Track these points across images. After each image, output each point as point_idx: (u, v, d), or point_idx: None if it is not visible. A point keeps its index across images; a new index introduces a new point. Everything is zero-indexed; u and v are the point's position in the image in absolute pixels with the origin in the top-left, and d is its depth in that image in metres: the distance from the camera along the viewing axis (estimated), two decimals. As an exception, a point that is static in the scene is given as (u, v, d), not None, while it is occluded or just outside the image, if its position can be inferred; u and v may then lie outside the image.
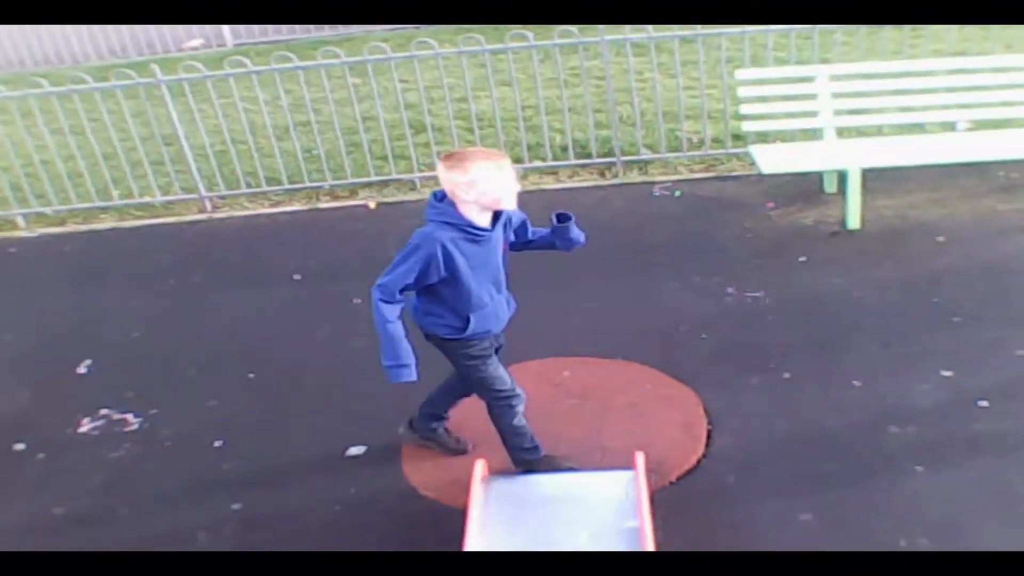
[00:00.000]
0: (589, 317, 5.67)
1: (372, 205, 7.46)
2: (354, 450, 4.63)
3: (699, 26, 7.24)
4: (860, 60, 7.21)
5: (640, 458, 3.97)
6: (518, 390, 4.10)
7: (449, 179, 3.60)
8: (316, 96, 7.94)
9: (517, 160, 7.63)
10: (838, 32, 7.50)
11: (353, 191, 7.75)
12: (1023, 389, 4.70)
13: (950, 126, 7.39)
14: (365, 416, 4.86)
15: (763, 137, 7.39)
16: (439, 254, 3.60)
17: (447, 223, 3.63)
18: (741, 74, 6.87)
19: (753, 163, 6.74)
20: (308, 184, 7.80)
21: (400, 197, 7.57)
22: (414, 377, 3.69)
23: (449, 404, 4.44)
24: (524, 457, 4.22)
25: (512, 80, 7.80)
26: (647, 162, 7.62)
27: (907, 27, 7.42)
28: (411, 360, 3.68)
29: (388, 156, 7.75)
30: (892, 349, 5.10)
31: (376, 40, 9.27)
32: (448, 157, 3.63)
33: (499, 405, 4.09)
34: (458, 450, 4.51)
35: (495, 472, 4.12)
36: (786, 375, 4.93)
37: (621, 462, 4.16)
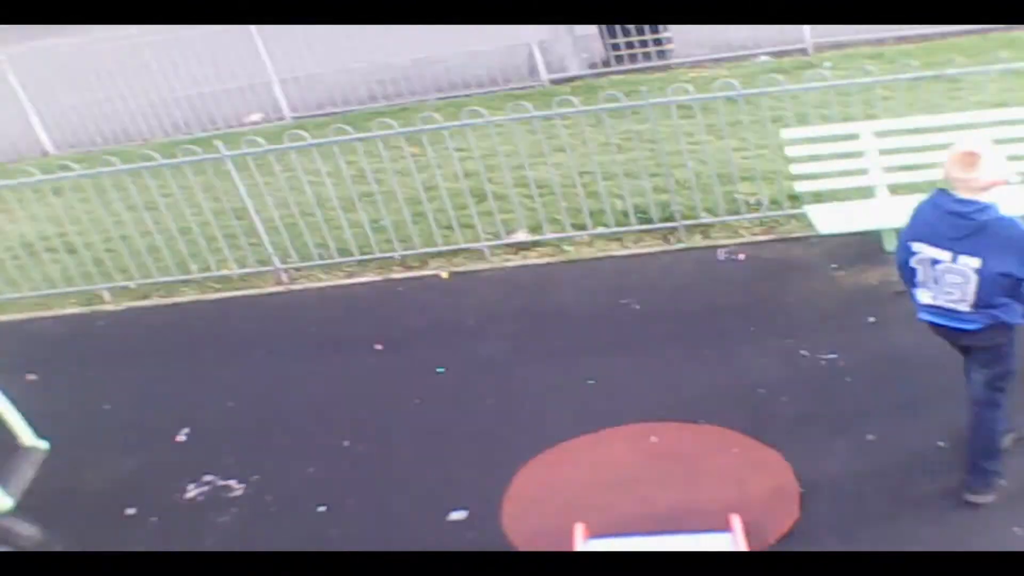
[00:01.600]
0: (668, 382, 5.82)
1: (445, 275, 7.70)
2: (455, 515, 4.83)
3: (740, 87, 7.45)
4: (903, 115, 7.19)
5: (736, 521, 4.13)
6: None
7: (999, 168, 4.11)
8: (376, 167, 8.21)
9: (580, 227, 7.87)
10: (877, 88, 7.58)
11: (423, 261, 7.99)
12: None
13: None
14: (462, 482, 5.06)
15: (818, 197, 7.40)
16: None
17: None
18: (787, 133, 6.97)
19: (810, 224, 6.89)
20: (379, 255, 8.04)
21: (471, 266, 7.80)
22: None
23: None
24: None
25: (565, 146, 8.04)
26: (708, 225, 7.77)
27: (945, 80, 7.51)
28: None
29: (453, 225, 8.00)
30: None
31: (428, 109, 9.55)
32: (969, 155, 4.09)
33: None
34: None
35: (594, 534, 4.30)
36: (870, 437, 5.04)
37: (717, 525, 4.29)
